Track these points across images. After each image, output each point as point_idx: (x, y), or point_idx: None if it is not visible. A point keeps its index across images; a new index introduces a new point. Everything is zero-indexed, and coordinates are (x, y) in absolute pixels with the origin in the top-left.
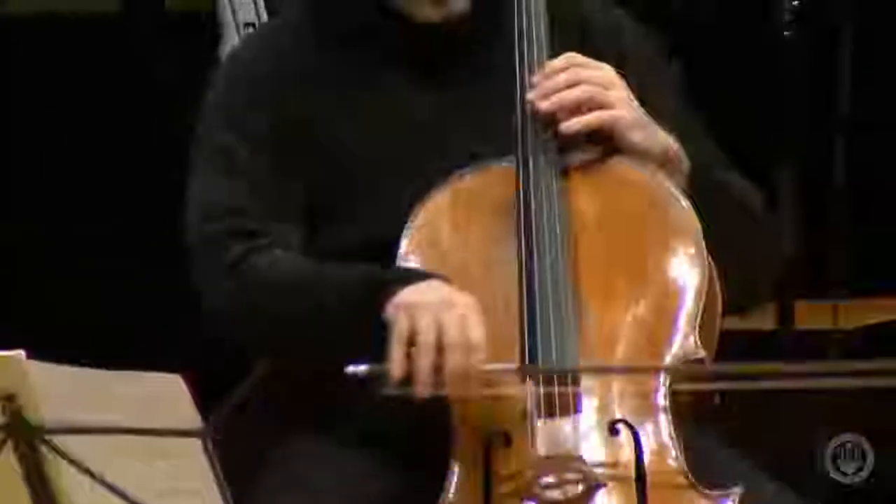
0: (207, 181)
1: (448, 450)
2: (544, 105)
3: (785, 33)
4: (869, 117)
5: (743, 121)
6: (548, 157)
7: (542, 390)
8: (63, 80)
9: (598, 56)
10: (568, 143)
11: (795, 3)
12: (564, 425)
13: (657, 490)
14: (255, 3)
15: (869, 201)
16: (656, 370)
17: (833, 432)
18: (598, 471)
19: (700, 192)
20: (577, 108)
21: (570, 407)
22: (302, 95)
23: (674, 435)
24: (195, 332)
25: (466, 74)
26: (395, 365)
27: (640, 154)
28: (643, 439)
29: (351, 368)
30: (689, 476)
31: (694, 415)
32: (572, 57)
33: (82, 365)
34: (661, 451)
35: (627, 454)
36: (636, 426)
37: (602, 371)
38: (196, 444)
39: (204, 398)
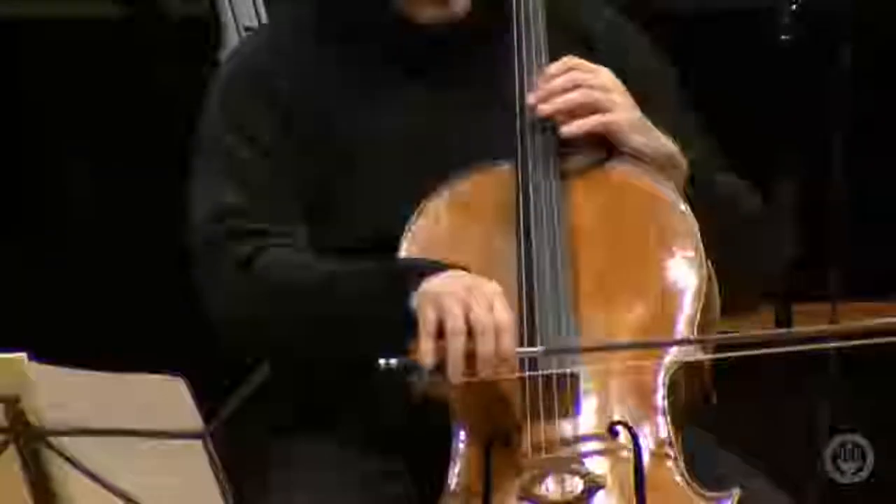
0: (209, 182)
1: (449, 450)
2: (544, 108)
3: (783, 37)
4: (868, 118)
5: (741, 123)
6: (547, 160)
7: (541, 391)
8: (67, 84)
9: (600, 62)
10: (568, 146)
11: (794, 6)
12: (564, 426)
13: (656, 491)
14: (255, 7)
15: (867, 203)
16: (678, 343)
17: (833, 432)
18: (597, 472)
19: (699, 194)
20: (577, 111)
21: (569, 408)
22: (302, 95)
23: (672, 436)
24: (198, 332)
25: (466, 75)
26: (427, 354)
27: (640, 156)
28: (642, 441)
29: (382, 362)
30: (688, 477)
31: (692, 416)
32: (571, 61)
33: (85, 367)
34: (659, 452)
35: (626, 455)
36: (635, 427)
37: (619, 348)
38: (197, 445)
39: (206, 400)
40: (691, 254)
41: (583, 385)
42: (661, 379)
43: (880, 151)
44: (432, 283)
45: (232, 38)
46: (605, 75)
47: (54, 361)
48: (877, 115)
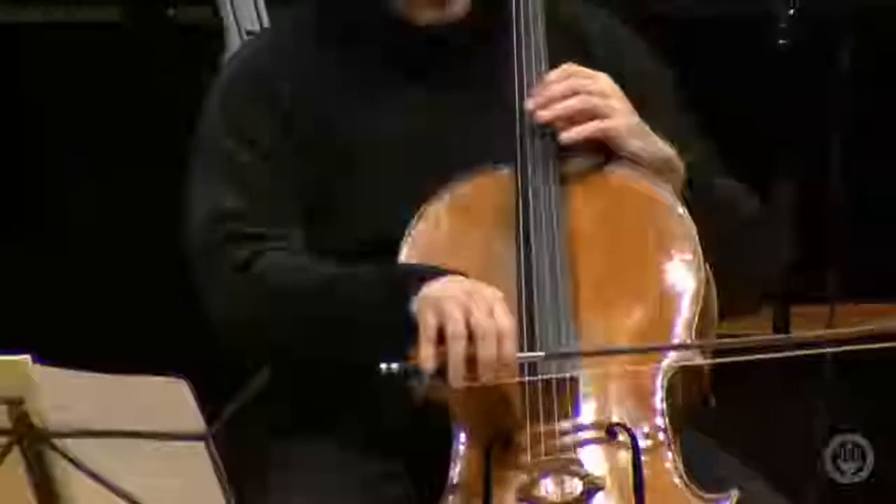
0: (208, 186)
1: (448, 452)
2: (543, 115)
3: (781, 41)
4: (866, 121)
5: (740, 126)
6: (547, 165)
7: (541, 394)
8: (68, 89)
9: (597, 65)
10: (566, 151)
11: (792, 11)
12: (563, 428)
13: (654, 493)
14: (257, 11)
15: (865, 206)
16: (672, 348)
17: (833, 432)
18: (596, 473)
19: (697, 197)
20: (576, 117)
21: (568, 411)
22: (303, 97)
23: (671, 438)
24: (200, 334)
25: (466, 77)
26: (428, 359)
27: (638, 161)
28: (640, 442)
29: (383, 366)
30: (686, 479)
31: (690, 418)
32: (571, 68)
33: (88, 370)
34: (658, 454)
35: (625, 457)
36: (634, 429)
37: (619, 353)
38: (200, 446)
39: (208, 401)
40: (689, 257)
41: (582, 388)
42: (660, 382)
43: (878, 154)
44: (432, 288)
45: (234, 43)
46: (603, 81)
47: (58, 363)
48: (875, 117)
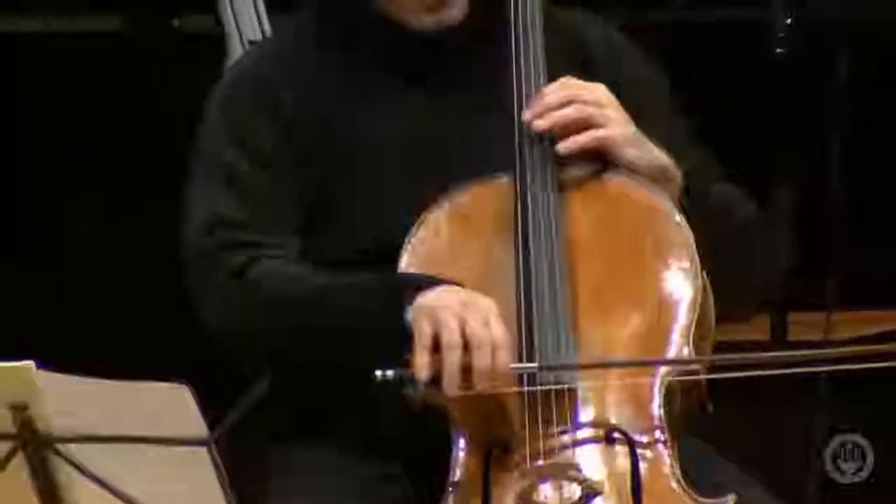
0: (205, 193)
1: (448, 458)
2: (539, 124)
3: (778, 50)
4: (864, 130)
5: (737, 133)
6: (545, 173)
7: (539, 402)
8: (71, 98)
9: (595, 74)
10: (564, 160)
11: (789, 21)
12: (562, 434)
13: (652, 498)
14: (260, 21)
15: (863, 213)
16: (669, 363)
17: (833, 432)
18: (595, 478)
19: (694, 205)
20: (572, 127)
21: (567, 416)
22: (303, 104)
23: (669, 444)
24: (202, 340)
25: (465, 80)
26: (423, 368)
27: (635, 170)
28: (638, 448)
29: (379, 373)
30: (684, 484)
31: (688, 424)
32: (567, 79)
33: (92, 375)
34: (656, 459)
35: (623, 462)
36: (632, 435)
37: (615, 366)
38: (202, 452)
39: (210, 407)
40: (687, 265)
41: (580, 395)
42: (658, 388)
43: (876, 160)
44: (428, 298)
45: (236, 51)
46: (599, 91)
47: (62, 370)
48: (872, 123)
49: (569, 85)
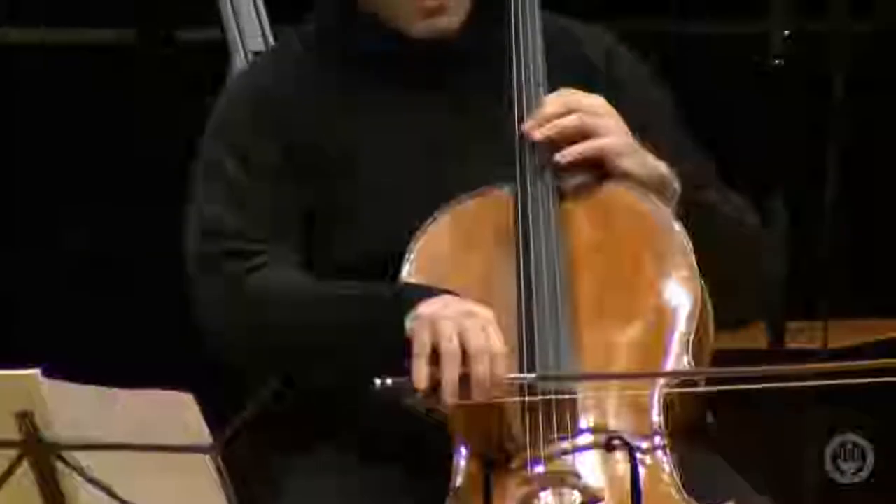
0: (206, 204)
1: (449, 466)
2: (538, 133)
3: (776, 62)
4: (862, 139)
5: (735, 141)
6: (545, 183)
7: (539, 411)
8: (73, 110)
9: (598, 91)
10: (564, 169)
11: (786, 33)
12: (562, 441)
13: None
14: (264, 33)
15: (861, 222)
16: (666, 375)
17: (833, 432)
18: (595, 486)
19: (694, 213)
20: (570, 137)
21: (567, 424)
22: (304, 115)
23: (668, 451)
24: (206, 348)
25: (463, 87)
26: (420, 377)
27: (633, 179)
28: (638, 455)
29: (378, 382)
30: (683, 492)
31: (688, 432)
32: (565, 90)
33: (96, 383)
34: (656, 466)
35: (623, 469)
36: (632, 442)
37: (612, 378)
38: (206, 459)
39: (213, 415)
40: (686, 273)
41: (580, 402)
42: (657, 396)
43: (873, 169)
44: (427, 307)
45: (240, 64)
46: (596, 100)
47: (66, 377)
48: (870, 135)
49: (567, 94)
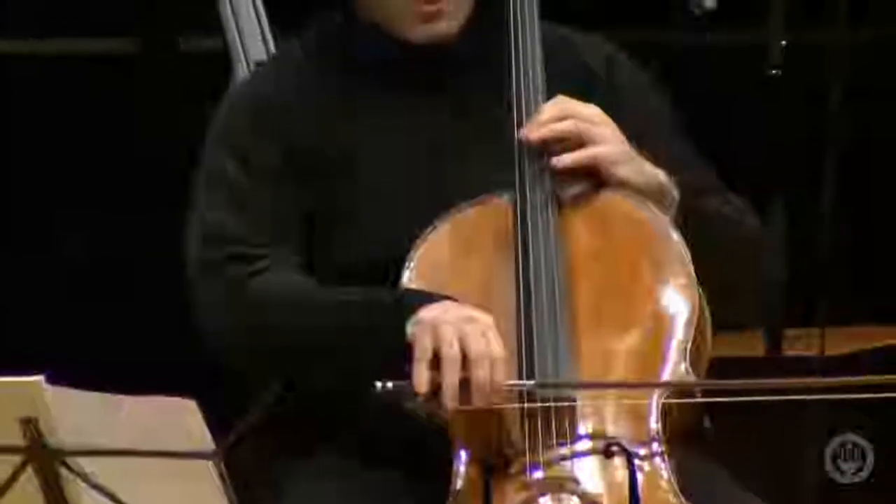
0: (208, 210)
1: (449, 470)
2: (534, 135)
3: (773, 71)
4: (860, 147)
5: (733, 148)
6: (544, 191)
7: (539, 417)
8: (75, 117)
9: (597, 100)
10: (562, 177)
11: (783, 42)
12: (560, 448)
13: None
14: (265, 41)
15: (859, 230)
16: (662, 386)
17: (833, 432)
18: (593, 491)
19: (693, 219)
20: (567, 144)
21: (566, 430)
22: (305, 120)
23: (666, 457)
24: (208, 354)
25: (460, 93)
26: (421, 381)
27: (629, 187)
28: (637, 461)
29: (378, 385)
30: (681, 497)
31: (686, 437)
32: (562, 97)
33: (100, 390)
34: (654, 472)
35: (622, 476)
36: (630, 448)
37: (609, 387)
38: (209, 465)
39: (216, 420)
40: (684, 280)
41: (579, 408)
42: (655, 402)
43: (871, 176)
44: (428, 313)
45: (242, 73)
46: (592, 110)
47: (68, 384)
48: (868, 144)
49: (564, 102)
